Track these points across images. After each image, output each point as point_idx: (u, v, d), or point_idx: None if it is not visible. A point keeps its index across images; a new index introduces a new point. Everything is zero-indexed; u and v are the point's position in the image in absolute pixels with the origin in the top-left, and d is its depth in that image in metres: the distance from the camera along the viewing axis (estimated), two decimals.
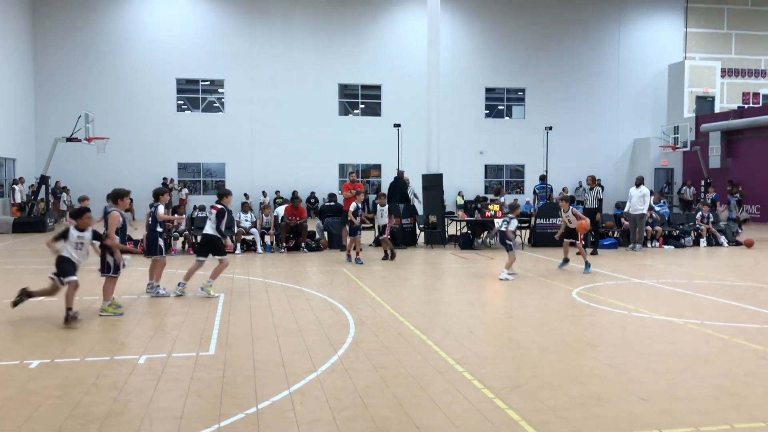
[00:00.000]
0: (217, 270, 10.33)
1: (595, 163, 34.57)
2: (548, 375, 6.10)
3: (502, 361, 6.56)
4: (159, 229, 10.47)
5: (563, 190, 30.92)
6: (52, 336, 7.60)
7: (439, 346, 7.16)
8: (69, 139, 24.15)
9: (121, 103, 30.79)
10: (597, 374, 6.14)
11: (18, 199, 25.82)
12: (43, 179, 24.68)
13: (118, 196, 9.34)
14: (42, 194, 24.78)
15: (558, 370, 6.25)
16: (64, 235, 8.43)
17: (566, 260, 13.70)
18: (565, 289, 11.07)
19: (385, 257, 15.14)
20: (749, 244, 18.00)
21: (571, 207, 13.63)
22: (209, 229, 10.34)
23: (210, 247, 10.32)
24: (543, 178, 20.97)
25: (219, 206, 10.30)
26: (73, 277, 8.20)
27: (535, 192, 21.19)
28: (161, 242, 10.49)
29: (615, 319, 8.66)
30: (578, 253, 13.77)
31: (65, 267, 8.25)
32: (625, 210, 17.89)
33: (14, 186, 26.25)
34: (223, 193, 10.62)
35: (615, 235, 18.56)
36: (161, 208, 10.48)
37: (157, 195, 10.72)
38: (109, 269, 8.79)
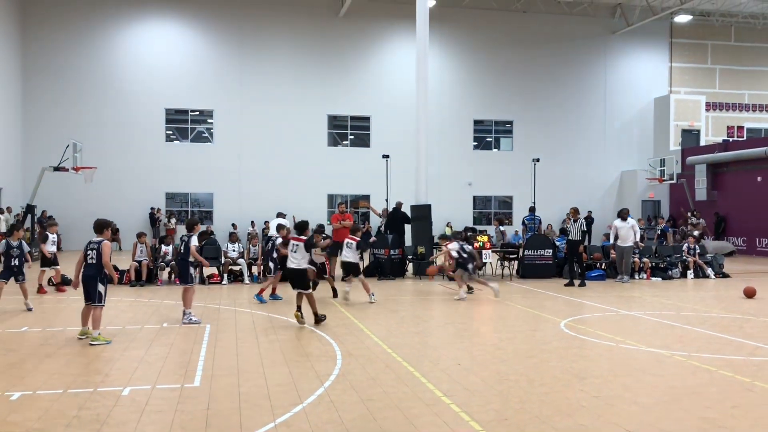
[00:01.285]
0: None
1: (582, 194, 34.83)
2: (536, 407, 6.07)
3: (489, 394, 6.52)
4: (190, 259, 10.66)
5: (548, 227, 31.22)
6: (34, 368, 7.49)
7: (426, 377, 7.11)
8: (56, 169, 24.06)
9: (110, 132, 30.75)
10: (584, 406, 6.11)
11: (3, 228, 25.57)
12: (30, 208, 24.51)
13: (103, 227, 9.33)
14: (28, 223, 24.57)
15: (546, 403, 6.22)
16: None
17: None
18: (553, 321, 11.06)
19: (335, 295, 13.80)
20: (750, 294, 14.33)
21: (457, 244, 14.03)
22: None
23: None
24: (532, 210, 21.09)
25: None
26: None
27: (524, 223, 21.27)
28: (192, 270, 10.74)
29: (603, 351, 8.65)
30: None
31: None
32: (611, 242, 17.95)
33: None
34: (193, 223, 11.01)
35: (603, 267, 18.62)
36: (194, 240, 10.75)
37: (191, 226, 10.93)
38: (101, 299, 8.99)
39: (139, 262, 16.09)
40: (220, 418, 5.69)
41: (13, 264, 11.67)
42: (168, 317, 11.11)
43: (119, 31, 31.34)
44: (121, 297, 13.74)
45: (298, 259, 10.40)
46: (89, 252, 9.07)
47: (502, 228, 22.34)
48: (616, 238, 17.34)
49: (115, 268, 16.14)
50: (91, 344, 8.72)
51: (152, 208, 30.65)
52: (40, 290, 14.11)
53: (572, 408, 6.07)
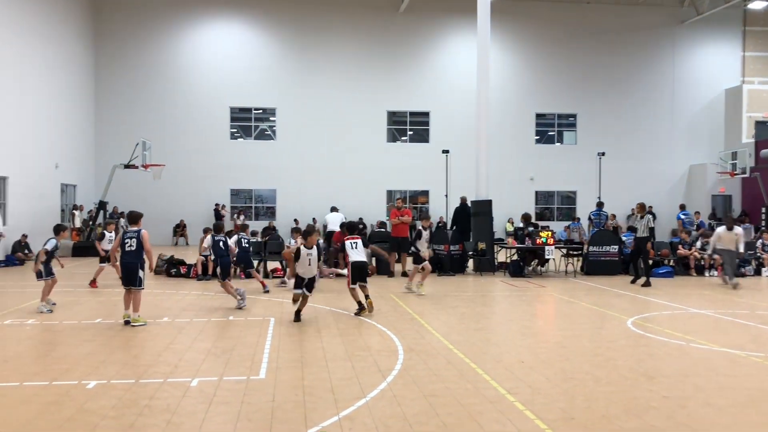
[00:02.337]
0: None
1: (649, 189, 33.82)
2: (603, 407, 5.93)
3: (554, 392, 6.42)
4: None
5: (611, 216, 30.34)
6: (107, 358, 7.78)
7: (489, 374, 7.05)
8: (126, 166, 24.93)
9: (177, 130, 31.68)
10: (654, 407, 5.94)
11: (77, 224, 26.71)
12: (102, 205, 25.49)
13: (138, 218, 10.24)
14: (100, 219, 25.56)
15: (613, 402, 6.07)
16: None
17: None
18: (618, 319, 10.79)
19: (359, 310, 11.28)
20: None
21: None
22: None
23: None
24: (600, 205, 20.63)
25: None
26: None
27: (590, 218, 20.83)
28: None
29: (672, 350, 8.39)
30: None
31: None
32: (709, 251, 16.68)
33: (74, 211, 27.17)
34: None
35: (671, 263, 18.05)
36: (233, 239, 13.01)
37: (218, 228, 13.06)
38: (141, 283, 9.94)
39: (206, 257, 16.50)
40: (285, 411, 5.78)
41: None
42: (234, 310, 11.36)
43: (187, 32, 32.19)
44: (189, 290, 14.14)
45: (360, 255, 11.29)
46: (127, 241, 9.93)
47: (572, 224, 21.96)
48: (715, 244, 15.74)
49: (181, 262, 16.71)
50: (132, 325, 9.64)
51: (217, 204, 31.41)
52: (92, 284, 14.64)
53: (641, 408, 5.90)
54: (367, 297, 11.09)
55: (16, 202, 22.22)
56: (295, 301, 10.48)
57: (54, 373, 7.03)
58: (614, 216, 31.33)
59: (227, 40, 32.52)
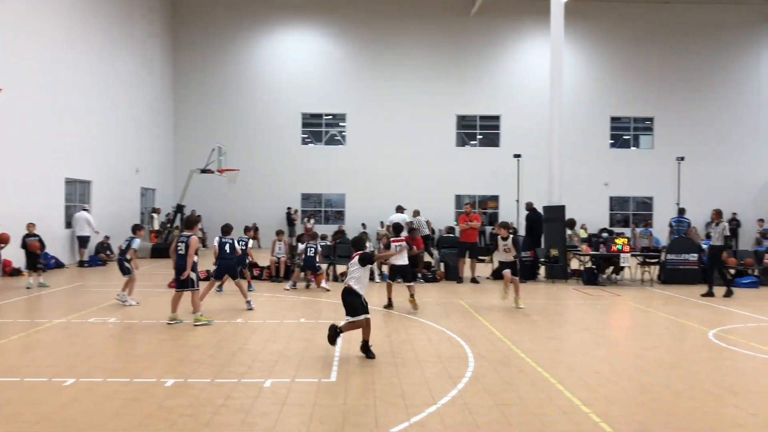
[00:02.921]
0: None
1: (731, 195, 32.38)
2: (684, 422, 5.69)
3: (632, 405, 6.20)
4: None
5: (690, 228, 29.23)
6: (186, 357, 8.02)
7: (563, 384, 6.88)
8: (203, 171, 25.72)
9: (251, 136, 32.49)
10: (741, 424, 5.65)
11: (155, 226, 27.72)
12: (179, 208, 26.38)
13: (194, 223, 10.69)
14: (177, 222, 26.45)
15: (695, 418, 5.81)
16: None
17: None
18: (699, 330, 10.35)
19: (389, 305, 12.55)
20: None
21: (511, 236, 13.25)
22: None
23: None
24: (681, 212, 19.87)
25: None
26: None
27: (670, 225, 20.09)
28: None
29: (759, 365, 7.97)
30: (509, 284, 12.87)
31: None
32: None
33: (152, 214, 28.23)
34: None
35: (755, 273, 17.20)
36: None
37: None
38: (194, 284, 10.28)
39: (279, 259, 16.82)
40: (356, 414, 5.80)
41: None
42: (305, 312, 11.52)
43: (261, 40, 32.99)
44: (261, 292, 14.43)
45: (402, 258, 12.38)
46: (179, 245, 10.30)
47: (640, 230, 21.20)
48: None
49: (254, 264, 17.08)
50: (195, 325, 10.00)
51: (289, 208, 31.99)
52: (171, 284, 15.10)
53: (726, 425, 5.63)
54: (411, 296, 12.12)
55: (100, 205, 23.23)
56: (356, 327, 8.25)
57: (135, 370, 7.30)
58: (695, 229, 30.20)
59: (300, 48, 33.12)
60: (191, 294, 10.32)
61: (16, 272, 17.19)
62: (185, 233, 10.44)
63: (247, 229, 12.87)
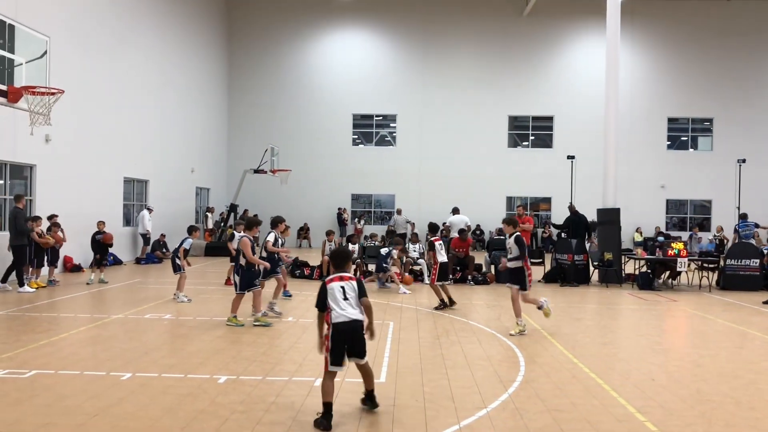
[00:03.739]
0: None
1: None
2: None
3: (690, 415, 6.01)
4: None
5: (758, 229, 28.22)
6: (238, 354, 8.15)
7: (617, 391, 6.72)
8: (256, 171, 26.13)
9: (303, 137, 32.81)
10: None
11: (209, 225, 28.30)
12: (233, 207, 26.86)
13: (253, 224, 10.47)
14: (231, 221, 26.94)
15: (757, 430, 5.60)
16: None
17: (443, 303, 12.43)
18: (761, 339, 9.97)
19: (440, 306, 12.32)
20: None
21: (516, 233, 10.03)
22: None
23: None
24: (744, 216, 19.25)
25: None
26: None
27: (736, 230, 19.48)
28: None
29: None
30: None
31: None
32: None
33: (207, 213, 28.82)
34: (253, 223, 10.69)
35: None
36: (271, 236, 11.36)
37: (251, 226, 10.79)
38: (237, 287, 10.14)
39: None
40: (406, 416, 5.79)
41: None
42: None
43: (313, 42, 33.31)
44: (312, 291, 14.55)
45: (444, 256, 12.50)
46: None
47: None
48: None
49: (305, 263, 17.28)
50: (254, 325, 10.01)
51: (339, 209, 32.22)
52: (227, 282, 15.35)
53: None
54: (449, 297, 12.31)
55: (156, 204, 23.84)
56: None
57: (188, 366, 7.45)
58: (757, 234, 29.15)
59: (351, 49, 33.31)
60: (253, 294, 10.19)
61: (76, 268, 17.79)
62: (242, 234, 10.45)
63: (274, 224, 11.77)
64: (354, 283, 5.82)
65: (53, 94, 10.33)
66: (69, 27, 18.07)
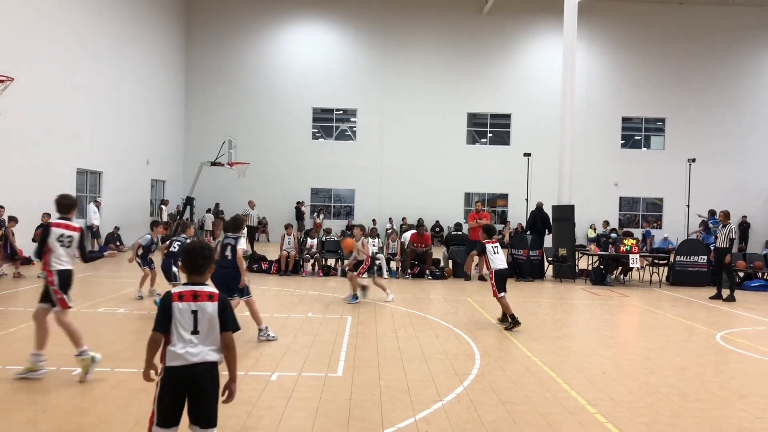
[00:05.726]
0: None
1: (744, 197, 32.25)
2: (690, 424, 5.68)
3: (638, 406, 6.19)
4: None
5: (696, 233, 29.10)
6: None
7: (569, 384, 6.87)
8: (213, 164, 25.79)
9: (262, 130, 32.53)
10: (747, 428, 5.64)
11: (164, 218, 27.82)
12: (189, 200, 26.47)
13: (243, 223, 9.39)
14: (187, 214, 26.55)
15: (702, 420, 5.80)
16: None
17: (355, 296, 12.40)
18: (707, 333, 10.31)
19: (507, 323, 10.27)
20: None
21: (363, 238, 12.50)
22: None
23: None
24: (713, 213, 19.91)
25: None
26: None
27: (708, 227, 20.19)
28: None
29: (766, 368, 7.94)
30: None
31: None
32: None
33: (161, 206, 28.33)
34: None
35: (765, 277, 17.10)
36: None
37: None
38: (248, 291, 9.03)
39: (288, 253, 16.88)
40: (362, 409, 5.82)
41: (150, 256, 12.45)
42: (312, 307, 11.55)
43: (273, 35, 33.02)
44: (269, 286, 14.48)
45: (503, 261, 10.47)
46: (225, 248, 8.98)
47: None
48: None
49: (263, 258, 17.18)
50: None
51: (298, 202, 32.05)
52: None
53: (732, 428, 5.62)
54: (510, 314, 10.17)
55: (110, 196, 23.36)
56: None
57: (143, 361, 7.31)
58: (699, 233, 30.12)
59: (311, 42, 33.14)
60: (247, 303, 8.88)
61: (27, 261, 17.31)
62: (231, 235, 8.93)
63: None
64: (215, 305, 3.86)
65: (2, 81, 9.99)
66: (22, 15, 17.53)
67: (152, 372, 3.97)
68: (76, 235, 6.86)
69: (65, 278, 6.76)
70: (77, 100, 20.98)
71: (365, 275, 12.61)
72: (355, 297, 12.36)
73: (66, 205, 6.91)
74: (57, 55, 19.70)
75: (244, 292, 8.86)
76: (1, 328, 9.09)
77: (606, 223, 30.58)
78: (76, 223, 7.00)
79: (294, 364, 7.41)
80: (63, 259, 6.77)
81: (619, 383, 7.01)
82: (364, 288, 12.64)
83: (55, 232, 6.75)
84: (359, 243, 12.49)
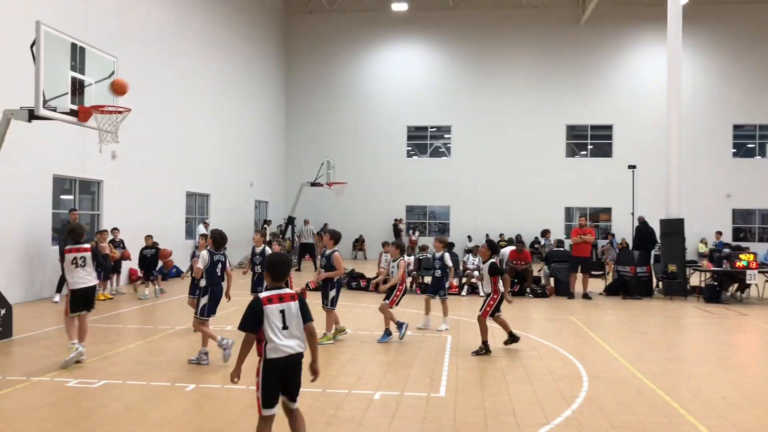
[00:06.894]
0: None
1: None
2: None
3: None
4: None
5: None
6: None
7: (685, 409, 6.49)
8: (313, 184, 26.44)
9: (358, 150, 33.10)
10: None
11: (267, 238, 28.72)
12: (290, 220, 27.23)
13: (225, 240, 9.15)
14: (289, 233, 27.31)
15: None
16: None
17: (387, 331, 10.20)
18: None
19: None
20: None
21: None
22: None
23: None
24: None
25: None
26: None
27: None
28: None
29: None
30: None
31: None
32: None
33: (264, 225, 29.28)
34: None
35: None
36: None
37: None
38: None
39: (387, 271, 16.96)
40: (467, 431, 5.72)
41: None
42: (411, 325, 11.52)
43: (366, 56, 33.63)
44: (368, 303, 14.61)
45: None
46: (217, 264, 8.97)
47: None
48: None
49: (361, 276, 17.38)
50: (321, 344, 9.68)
51: (396, 219, 32.29)
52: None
53: None
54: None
55: (216, 217, 24.38)
56: None
57: (252, 378, 7.52)
58: None
59: (405, 61, 33.47)
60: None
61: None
62: (220, 252, 8.91)
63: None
64: (296, 303, 4.67)
65: (120, 112, 10.64)
66: (134, 49, 18.73)
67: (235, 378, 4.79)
68: (87, 255, 8.40)
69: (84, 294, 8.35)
70: (185, 126, 22.12)
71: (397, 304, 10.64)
72: (388, 333, 10.10)
73: (79, 234, 8.58)
74: (167, 86, 20.87)
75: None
76: (120, 344, 9.61)
77: (719, 234, 28.77)
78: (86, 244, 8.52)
79: (396, 382, 7.40)
80: (88, 277, 8.38)
81: (742, 409, 6.54)
82: (400, 325, 10.25)
83: (69, 257, 8.31)
84: (396, 264, 10.91)
